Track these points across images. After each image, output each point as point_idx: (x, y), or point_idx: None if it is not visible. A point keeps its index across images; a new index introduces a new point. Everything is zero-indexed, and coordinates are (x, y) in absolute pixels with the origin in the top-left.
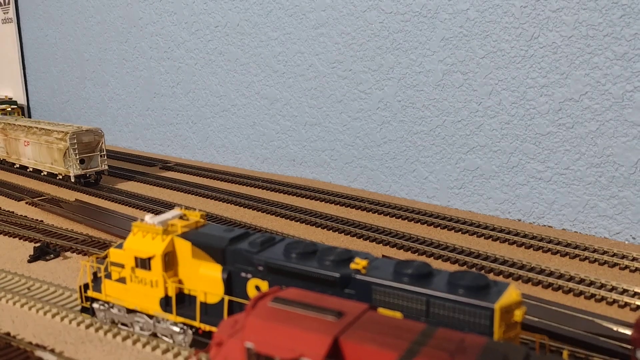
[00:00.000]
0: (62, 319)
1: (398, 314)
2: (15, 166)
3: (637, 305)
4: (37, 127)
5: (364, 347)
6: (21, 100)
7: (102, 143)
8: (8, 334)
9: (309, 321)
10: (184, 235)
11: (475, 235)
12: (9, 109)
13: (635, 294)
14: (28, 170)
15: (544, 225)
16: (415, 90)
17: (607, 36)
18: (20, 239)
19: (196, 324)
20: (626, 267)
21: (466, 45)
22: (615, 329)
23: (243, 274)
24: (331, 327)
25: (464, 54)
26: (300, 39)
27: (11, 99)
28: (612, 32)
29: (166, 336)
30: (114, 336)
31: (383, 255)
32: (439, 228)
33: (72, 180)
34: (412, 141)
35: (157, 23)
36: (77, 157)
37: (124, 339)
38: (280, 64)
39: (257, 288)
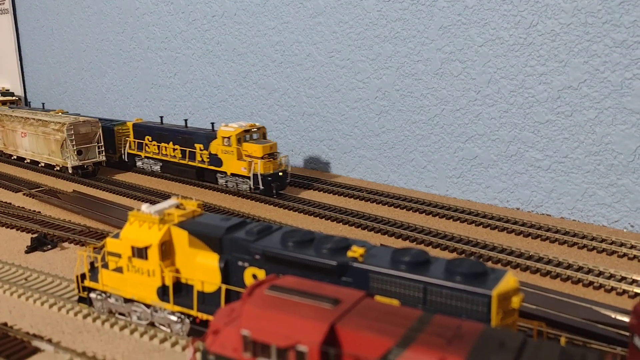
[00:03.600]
0: (59, 309)
1: (395, 302)
2: (12, 158)
3: (635, 293)
4: (34, 118)
5: (360, 334)
6: (18, 91)
7: (100, 134)
8: (5, 324)
9: (306, 309)
10: (180, 225)
11: (473, 224)
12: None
13: (633, 282)
14: (25, 161)
15: (543, 214)
16: (413, 79)
17: (606, 23)
18: (17, 229)
19: (193, 312)
20: (624, 254)
21: (464, 33)
22: (613, 316)
23: (240, 263)
24: (328, 314)
25: (463, 42)
26: (298, 28)
27: (8, 90)
28: (611, 19)
29: (164, 325)
30: (112, 326)
31: (381, 244)
32: (437, 217)
33: (70, 171)
34: (411, 130)
35: (154, 13)
36: (75, 148)
37: (122, 328)
38: (277, 54)
39: (254, 277)
